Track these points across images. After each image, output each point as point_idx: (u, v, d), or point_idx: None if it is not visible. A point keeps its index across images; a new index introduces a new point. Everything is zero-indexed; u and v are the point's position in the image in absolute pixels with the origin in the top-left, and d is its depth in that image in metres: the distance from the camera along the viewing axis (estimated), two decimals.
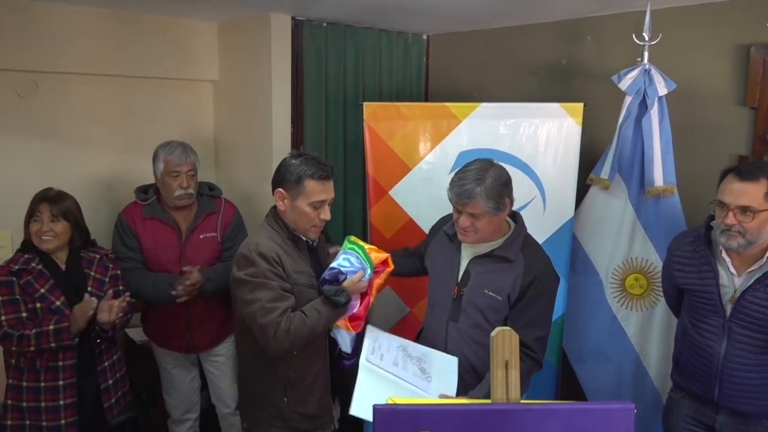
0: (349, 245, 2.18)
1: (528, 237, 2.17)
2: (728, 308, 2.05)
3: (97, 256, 2.47)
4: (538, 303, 2.06)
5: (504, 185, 2.04)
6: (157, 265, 2.71)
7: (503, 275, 2.08)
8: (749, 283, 2.01)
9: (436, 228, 2.37)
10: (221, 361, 2.91)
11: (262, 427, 2.11)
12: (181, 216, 2.77)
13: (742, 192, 1.95)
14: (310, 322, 1.95)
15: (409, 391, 1.94)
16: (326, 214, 2.08)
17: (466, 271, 2.15)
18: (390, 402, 1.28)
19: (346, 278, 2.05)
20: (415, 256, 2.47)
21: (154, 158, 2.71)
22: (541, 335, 2.06)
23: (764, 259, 2.00)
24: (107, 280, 2.46)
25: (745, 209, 1.94)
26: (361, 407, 1.84)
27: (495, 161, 2.11)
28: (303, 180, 2.02)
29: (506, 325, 2.01)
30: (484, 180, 1.99)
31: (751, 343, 2.01)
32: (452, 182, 2.06)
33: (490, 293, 2.08)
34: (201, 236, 2.76)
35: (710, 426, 2.16)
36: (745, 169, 1.98)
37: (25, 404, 2.31)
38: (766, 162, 2.41)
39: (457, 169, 2.12)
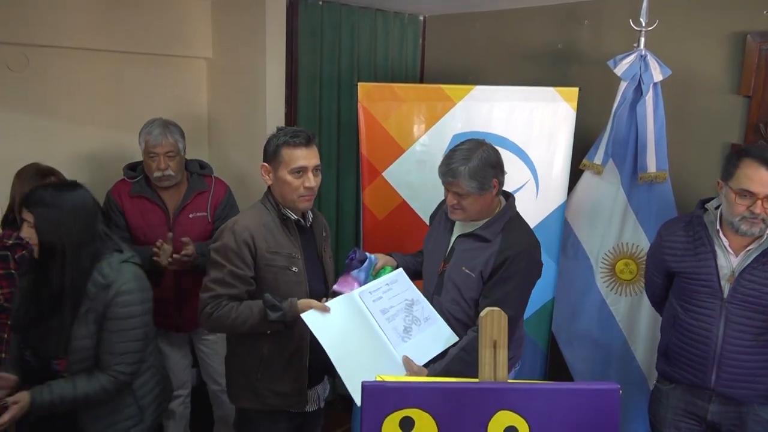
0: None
1: (514, 219, 2.18)
2: (726, 289, 2.04)
3: None
4: (509, 283, 2.06)
5: (491, 166, 2.06)
6: (146, 244, 2.68)
7: (479, 254, 2.11)
8: (747, 262, 2.01)
9: (438, 206, 2.41)
10: (212, 340, 2.92)
11: (238, 399, 2.17)
12: (168, 195, 2.73)
13: None
14: (236, 318, 1.99)
15: (373, 339, 1.97)
16: (310, 182, 2.06)
17: (452, 248, 2.20)
18: (378, 379, 1.29)
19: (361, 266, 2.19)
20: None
21: (139, 136, 2.68)
22: (509, 315, 2.03)
23: (764, 238, 1.99)
24: None
25: None
26: (312, 318, 1.94)
27: (487, 142, 2.13)
28: (280, 149, 2.04)
29: (479, 302, 2.08)
30: (470, 160, 2.03)
31: (749, 324, 2.02)
32: (442, 161, 2.10)
33: (466, 270, 2.12)
34: (190, 215, 2.74)
35: (702, 417, 2.16)
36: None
37: None
38: None
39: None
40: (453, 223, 2.24)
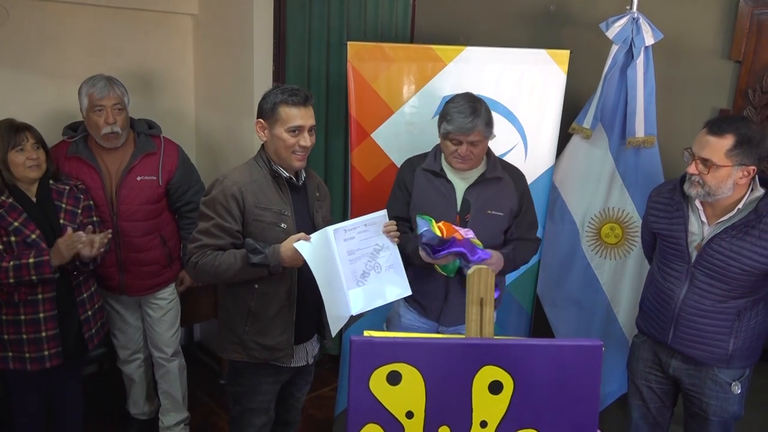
0: (420, 216, 2.26)
1: (499, 158, 2.47)
2: (693, 255, 2.12)
3: (67, 187, 2.42)
4: (531, 205, 2.46)
5: (491, 113, 2.31)
6: None
7: (500, 193, 2.36)
8: (716, 232, 2.07)
9: (409, 168, 2.45)
10: (162, 305, 2.85)
11: (226, 352, 2.20)
12: (111, 157, 2.61)
13: (706, 144, 2.00)
14: (219, 265, 2.02)
15: (334, 276, 2.00)
16: (305, 141, 2.10)
17: (464, 200, 2.35)
18: (366, 335, 1.31)
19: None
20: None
21: (79, 94, 2.57)
22: (537, 227, 2.53)
23: (734, 211, 2.06)
24: (79, 211, 2.42)
25: (705, 161, 1.99)
26: (301, 247, 1.99)
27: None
28: (277, 107, 2.06)
29: (506, 234, 2.41)
30: (481, 111, 2.24)
31: (710, 290, 2.09)
32: (449, 117, 2.24)
33: (493, 212, 2.34)
34: (138, 178, 2.62)
35: (666, 371, 2.27)
36: (716, 123, 2.03)
37: (6, 337, 2.31)
38: (742, 117, 2.42)
39: (442, 109, 2.32)
40: (447, 179, 2.35)
